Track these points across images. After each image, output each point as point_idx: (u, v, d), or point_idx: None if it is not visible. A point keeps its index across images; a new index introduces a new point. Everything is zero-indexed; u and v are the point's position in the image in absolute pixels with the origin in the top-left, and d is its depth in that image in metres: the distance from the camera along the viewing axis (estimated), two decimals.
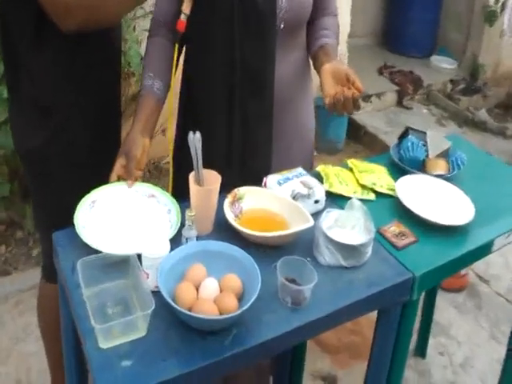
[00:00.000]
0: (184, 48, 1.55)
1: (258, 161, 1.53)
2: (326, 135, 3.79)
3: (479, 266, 2.76)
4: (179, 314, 1.09)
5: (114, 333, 1.09)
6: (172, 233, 1.29)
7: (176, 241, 1.26)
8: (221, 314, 1.11)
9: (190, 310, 1.11)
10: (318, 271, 1.25)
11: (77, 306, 1.16)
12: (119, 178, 1.39)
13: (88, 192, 1.38)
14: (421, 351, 2.33)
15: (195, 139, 1.28)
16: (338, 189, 1.48)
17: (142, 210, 1.38)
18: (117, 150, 1.42)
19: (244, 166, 1.52)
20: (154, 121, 1.46)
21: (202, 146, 1.29)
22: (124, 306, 1.17)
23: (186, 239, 1.25)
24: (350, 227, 1.32)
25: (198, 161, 1.30)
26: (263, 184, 1.47)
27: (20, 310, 2.43)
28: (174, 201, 1.39)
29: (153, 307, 1.08)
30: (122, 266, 1.20)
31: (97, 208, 1.36)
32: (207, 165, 1.33)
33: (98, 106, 1.52)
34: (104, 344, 1.08)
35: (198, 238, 1.30)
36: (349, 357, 2.32)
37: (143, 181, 1.46)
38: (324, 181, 1.51)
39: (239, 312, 1.08)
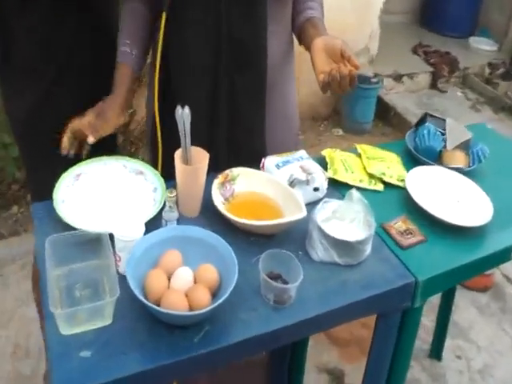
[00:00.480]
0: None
1: (249, 140, 1.39)
2: (352, 115, 3.63)
3: (507, 266, 2.52)
4: (145, 306, 0.98)
5: (77, 318, 0.99)
6: (153, 213, 1.18)
7: (156, 223, 1.15)
8: (191, 308, 1.00)
9: (158, 300, 1.00)
10: (309, 267, 1.13)
11: (44, 286, 1.06)
12: (75, 134, 1.29)
13: (71, 165, 1.28)
14: (436, 353, 2.15)
15: (183, 114, 1.15)
16: (342, 176, 1.34)
17: (127, 187, 1.26)
18: None
19: (233, 145, 1.38)
20: (132, 96, 1.36)
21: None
22: (93, 290, 1.07)
23: (166, 222, 1.14)
24: (348, 220, 1.18)
25: (185, 138, 1.17)
26: (261, 165, 1.34)
27: (26, 272, 2.36)
28: (162, 179, 1.27)
29: (117, 295, 0.98)
30: (97, 245, 1.09)
31: (81, 182, 1.26)
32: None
33: (89, 73, 1.41)
34: (65, 330, 0.98)
35: (183, 220, 1.19)
36: (359, 351, 2.15)
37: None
38: (328, 167, 1.37)
39: (208, 309, 0.97)
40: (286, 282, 1.09)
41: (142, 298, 0.96)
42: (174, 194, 1.11)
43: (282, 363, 1.74)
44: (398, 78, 3.86)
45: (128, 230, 1.06)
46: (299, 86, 3.16)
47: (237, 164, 1.31)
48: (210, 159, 1.21)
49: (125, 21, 1.36)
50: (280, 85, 1.43)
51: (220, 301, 0.98)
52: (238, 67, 1.29)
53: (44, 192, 1.22)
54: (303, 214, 1.15)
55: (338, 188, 1.35)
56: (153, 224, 1.15)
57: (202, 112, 1.31)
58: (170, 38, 1.29)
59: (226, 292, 0.99)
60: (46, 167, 1.39)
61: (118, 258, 1.08)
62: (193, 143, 1.20)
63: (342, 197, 1.30)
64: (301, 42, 1.38)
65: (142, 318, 1.01)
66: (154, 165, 1.34)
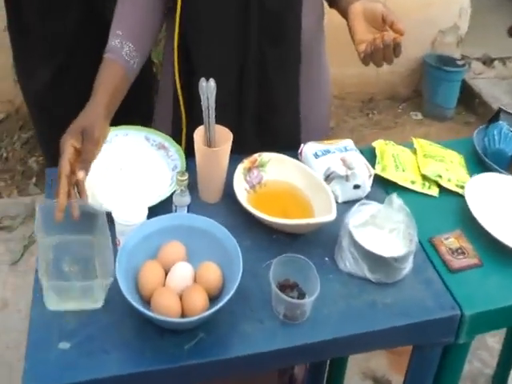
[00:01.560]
0: None
1: (281, 121, 1.19)
2: (434, 99, 3.29)
3: None
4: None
5: (67, 295, 0.89)
6: (165, 194, 1.03)
7: (169, 207, 1.01)
8: (184, 312, 0.85)
9: (150, 297, 0.86)
10: (334, 278, 0.96)
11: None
12: (72, 166, 0.94)
13: None
14: (500, 381, 1.80)
15: (208, 87, 0.98)
16: (391, 174, 1.12)
17: (146, 162, 1.12)
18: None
19: (263, 126, 1.19)
20: (119, 99, 1.06)
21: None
22: (83, 267, 0.95)
23: (176, 207, 0.99)
24: (388, 229, 0.97)
25: (209, 115, 1.01)
26: (299, 152, 1.16)
27: None
28: (184, 158, 1.12)
29: (110, 279, 0.86)
30: (94, 221, 0.96)
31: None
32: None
33: (104, 44, 1.27)
34: (52, 304, 0.88)
35: (200, 206, 1.04)
36: None
37: None
38: (377, 161, 1.15)
39: (200, 317, 0.82)
40: (302, 294, 0.91)
41: (127, 295, 0.82)
42: (186, 177, 0.96)
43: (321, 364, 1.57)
44: (488, 61, 3.45)
45: (127, 214, 0.93)
46: None
47: (266, 148, 1.13)
48: (236, 142, 1.04)
49: (123, 3, 1.10)
50: (314, 59, 1.22)
51: (215, 308, 0.82)
52: (269, 40, 1.10)
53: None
54: (331, 217, 0.96)
55: (384, 187, 1.14)
56: (165, 207, 1.01)
57: (228, 89, 1.12)
58: (189, 6, 1.09)
59: (225, 298, 0.84)
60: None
61: (117, 242, 0.96)
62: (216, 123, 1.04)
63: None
64: (332, 5, 1.17)
65: (133, 314, 0.87)
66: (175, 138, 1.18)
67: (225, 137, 1.02)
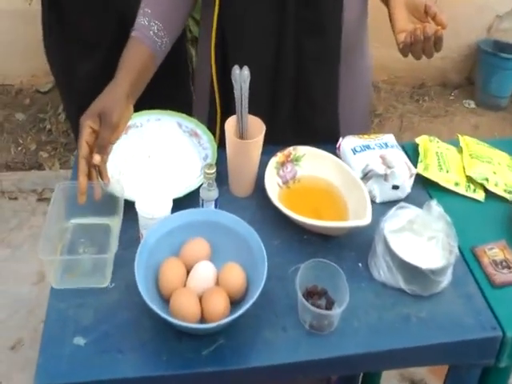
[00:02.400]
0: None
1: (319, 114, 1.11)
2: (488, 87, 3.10)
3: None
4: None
5: (71, 272, 0.87)
6: (194, 186, 0.98)
7: (197, 199, 0.96)
8: (203, 316, 0.80)
9: (170, 297, 0.82)
10: (366, 287, 0.89)
11: None
12: (90, 148, 0.89)
13: None
14: None
15: (242, 76, 0.91)
16: (433, 175, 1.03)
17: (176, 149, 1.07)
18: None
19: (299, 119, 1.11)
20: (144, 80, 0.99)
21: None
22: (99, 249, 0.91)
23: (202, 201, 0.93)
24: (427, 237, 0.89)
25: (242, 104, 0.94)
26: (337, 146, 1.08)
27: None
28: (215, 148, 1.06)
29: (112, 254, 0.84)
30: (113, 205, 0.92)
31: (128, 135, 1.07)
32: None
33: None
34: (56, 283, 0.86)
35: (229, 200, 0.99)
36: None
37: None
38: (419, 159, 1.06)
39: (217, 324, 0.77)
40: (331, 302, 0.85)
41: (144, 295, 0.77)
42: (213, 170, 0.90)
43: None
44: None
45: (151, 206, 0.88)
46: None
47: (302, 142, 1.06)
48: (270, 135, 0.98)
49: None
50: (356, 50, 1.13)
51: (235, 315, 0.77)
52: (307, 29, 1.02)
53: None
54: (365, 221, 0.88)
55: (426, 188, 1.05)
56: (193, 199, 0.95)
57: (264, 80, 1.05)
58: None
59: (247, 304, 0.78)
60: None
61: (140, 236, 0.91)
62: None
63: (429, 200, 1.00)
64: None
65: (152, 312, 0.81)
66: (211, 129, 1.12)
67: (258, 128, 0.96)
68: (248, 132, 0.97)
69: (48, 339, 0.81)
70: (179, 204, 0.94)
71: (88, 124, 0.88)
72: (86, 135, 0.88)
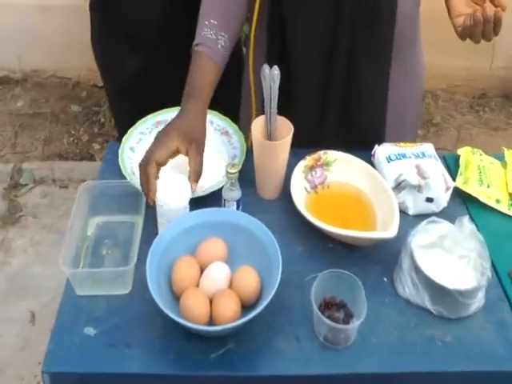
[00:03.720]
0: None
1: (363, 114, 1.06)
2: None
3: None
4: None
5: (93, 280, 0.85)
6: (217, 185, 0.95)
7: (220, 199, 0.93)
8: (212, 318, 0.77)
9: (180, 295, 0.80)
10: (390, 303, 0.84)
11: None
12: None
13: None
14: None
15: (271, 75, 0.88)
16: (473, 189, 0.96)
17: (206, 147, 1.04)
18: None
19: (345, 114, 1.06)
20: (211, 96, 0.96)
21: (289, 83, 0.89)
22: (123, 250, 0.90)
23: (224, 201, 0.91)
24: (458, 255, 0.82)
25: (271, 105, 0.91)
26: (372, 153, 1.02)
27: None
28: (245, 148, 1.03)
29: (131, 265, 0.82)
30: (138, 202, 0.91)
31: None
32: (290, 111, 0.94)
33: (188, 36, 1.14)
34: (79, 291, 0.84)
35: (254, 202, 0.95)
36: None
37: None
38: (459, 172, 0.99)
39: (223, 327, 0.74)
40: (350, 315, 0.80)
41: (154, 293, 0.75)
42: (236, 170, 0.87)
43: None
44: None
45: (167, 195, 0.85)
46: (494, 55, 2.62)
47: (345, 141, 1.02)
48: (314, 131, 0.94)
49: None
50: (408, 47, 1.07)
51: (243, 320, 0.73)
52: (362, 18, 0.96)
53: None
54: (390, 233, 0.82)
55: (465, 203, 0.97)
56: (218, 198, 0.93)
57: (315, 74, 1.01)
58: None
59: (256, 310, 0.74)
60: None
61: (158, 230, 0.89)
62: (298, 114, 0.95)
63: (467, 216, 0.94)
64: None
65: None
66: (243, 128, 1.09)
67: (286, 129, 0.92)
68: (276, 133, 0.93)
69: (60, 327, 0.82)
70: (202, 202, 0.92)
71: (176, 143, 0.87)
72: (171, 150, 0.87)
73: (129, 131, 1.06)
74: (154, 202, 0.87)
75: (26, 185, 2.24)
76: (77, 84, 2.67)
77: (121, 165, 0.99)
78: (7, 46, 2.57)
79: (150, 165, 0.86)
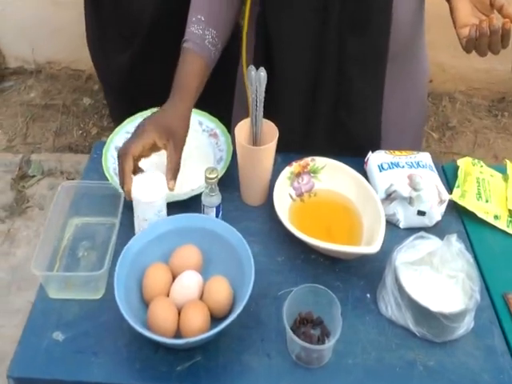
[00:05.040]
0: None
1: (356, 120, 1.00)
2: None
3: None
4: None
5: (65, 284, 0.81)
6: (198, 190, 0.90)
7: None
8: (179, 330, 0.73)
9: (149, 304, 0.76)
10: (371, 321, 0.79)
11: None
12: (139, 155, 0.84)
13: None
14: None
15: (257, 77, 0.83)
16: (470, 203, 0.89)
17: (192, 149, 0.99)
18: None
19: (337, 123, 1.00)
20: (198, 95, 0.91)
21: (275, 86, 0.84)
22: (100, 252, 0.86)
23: (204, 207, 0.86)
24: (446, 274, 0.76)
25: (257, 108, 0.85)
26: (365, 160, 0.96)
27: None
28: (231, 149, 0.98)
29: (102, 271, 0.78)
30: (117, 202, 0.87)
31: None
32: (279, 115, 0.89)
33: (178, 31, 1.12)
34: (52, 294, 0.81)
35: (239, 208, 0.91)
36: None
37: None
38: (456, 184, 0.92)
39: (184, 342, 0.69)
40: (326, 333, 0.75)
41: (119, 301, 0.71)
42: (215, 175, 0.82)
43: None
44: None
45: (140, 191, 0.81)
46: None
47: (338, 150, 0.96)
48: (305, 138, 0.88)
49: None
50: (406, 54, 1.00)
51: (209, 334, 0.69)
52: (351, 27, 0.90)
53: None
54: (372, 249, 0.76)
55: (461, 216, 0.91)
56: (199, 203, 0.88)
57: (303, 80, 0.96)
58: None
59: (226, 321, 0.70)
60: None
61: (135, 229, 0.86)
62: (287, 120, 0.90)
63: (463, 232, 0.87)
64: None
65: None
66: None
67: (271, 133, 0.87)
68: (261, 137, 0.88)
69: (29, 330, 0.79)
70: (184, 206, 0.88)
71: (153, 137, 0.83)
72: (147, 144, 0.82)
73: (115, 130, 1.02)
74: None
75: (34, 176, 2.23)
76: (90, 77, 2.64)
77: (103, 164, 0.96)
78: (22, 37, 2.56)
79: (125, 156, 0.82)
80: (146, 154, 0.85)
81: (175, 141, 0.84)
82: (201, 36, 0.90)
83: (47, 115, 2.50)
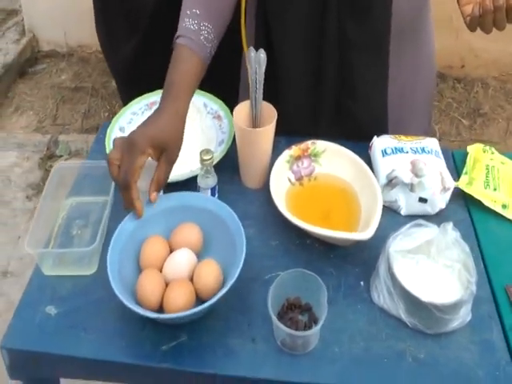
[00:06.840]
0: None
1: (361, 107, 0.95)
2: None
3: None
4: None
5: (59, 261, 0.82)
6: (197, 171, 0.88)
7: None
8: (162, 305, 0.72)
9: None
10: (363, 309, 0.76)
11: None
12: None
13: None
14: None
15: (257, 58, 0.80)
16: (477, 191, 0.83)
17: (195, 130, 0.98)
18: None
19: (342, 112, 0.96)
20: (193, 94, 0.83)
21: (278, 73, 0.81)
22: (94, 230, 0.86)
23: (199, 188, 0.84)
24: (442, 264, 0.71)
25: (256, 90, 0.82)
26: (369, 145, 0.92)
27: None
28: (232, 132, 0.95)
29: (93, 246, 0.78)
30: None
31: (151, 112, 1.01)
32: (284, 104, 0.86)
33: None
34: (46, 270, 0.81)
35: (237, 191, 0.89)
36: None
37: None
38: (464, 171, 0.87)
39: (157, 316, 0.69)
40: (314, 319, 0.72)
41: (110, 272, 0.71)
42: (210, 156, 0.80)
43: None
44: None
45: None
46: None
47: (346, 135, 0.92)
48: (311, 127, 0.85)
49: None
50: (410, 39, 0.94)
51: (190, 312, 0.68)
52: (351, 13, 0.86)
53: None
54: (365, 235, 0.73)
55: (467, 205, 0.86)
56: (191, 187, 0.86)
57: (305, 68, 0.92)
58: None
59: (209, 301, 0.68)
60: None
61: None
62: (292, 107, 0.88)
63: (468, 221, 0.82)
64: None
65: None
66: None
67: (271, 115, 0.83)
68: (261, 119, 0.85)
69: (24, 303, 0.79)
70: (183, 188, 0.85)
71: (148, 154, 0.76)
72: (143, 163, 0.75)
73: (121, 110, 1.01)
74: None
75: (61, 156, 2.26)
76: None
77: (106, 144, 0.95)
78: (55, 21, 2.60)
79: (129, 189, 0.75)
80: (159, 181, 0.78)
81: (168, 156, 0.77)
82: (196, 32, 0.82)
83: (77, 97, 2.53)
